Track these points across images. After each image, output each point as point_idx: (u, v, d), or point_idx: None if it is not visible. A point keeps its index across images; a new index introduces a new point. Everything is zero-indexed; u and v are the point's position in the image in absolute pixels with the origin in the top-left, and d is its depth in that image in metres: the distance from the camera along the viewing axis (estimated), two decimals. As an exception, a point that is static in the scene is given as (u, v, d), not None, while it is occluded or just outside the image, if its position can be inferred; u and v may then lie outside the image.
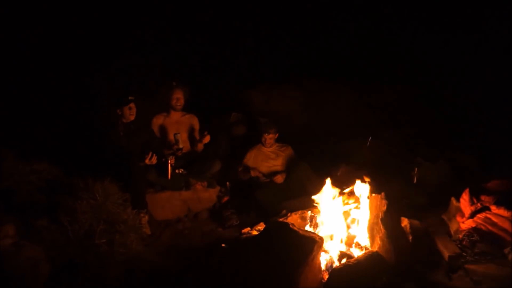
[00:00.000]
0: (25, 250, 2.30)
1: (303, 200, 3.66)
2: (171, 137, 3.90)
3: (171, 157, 3.55)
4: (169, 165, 3.50)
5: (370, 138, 2.92)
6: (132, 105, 3.55)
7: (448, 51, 5.66)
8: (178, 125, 4.01)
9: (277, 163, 4.06)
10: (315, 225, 3.03)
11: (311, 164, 3.92)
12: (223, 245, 2.91)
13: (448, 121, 5.06)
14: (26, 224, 2.50)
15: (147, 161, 3.38)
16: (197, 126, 4.14)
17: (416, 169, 4.17)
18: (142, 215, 3.20)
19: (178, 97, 3.93)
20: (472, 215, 2.76)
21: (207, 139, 3.97)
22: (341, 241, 2.82)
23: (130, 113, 3.55)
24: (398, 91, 5.46)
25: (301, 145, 4.53)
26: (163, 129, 4.00)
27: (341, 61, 5.81)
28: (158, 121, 4.00)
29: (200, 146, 4.03)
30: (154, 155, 3.40)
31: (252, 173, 3.95)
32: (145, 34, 5.69)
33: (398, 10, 6.07)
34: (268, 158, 4.07)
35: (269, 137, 4.02)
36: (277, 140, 4.12)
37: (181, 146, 3.75)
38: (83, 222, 2.57)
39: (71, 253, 2.48)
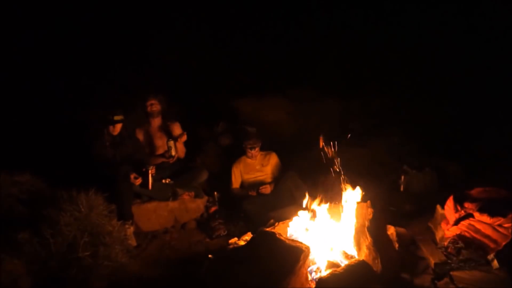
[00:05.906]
0: (4, 264, 2.24)
1: (291, 209, 3.67)
2: (156, 143, 3.91)
3: (151, 167, 3.52)
4: (150, 175, 3.47)
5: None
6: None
7: (432, 59, 5.75)
8: (161, 133, 3.98)
9: (263, 174, 4.05)
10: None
11: (299, 173, 3.93)
12: (210, 255, 2.88)
13: (434, 129, 5.14)
14: (6, 238, 2.43)
15: (132, 181, 3.37)
16: (179, 132, 4.05)
17: (402, 177, 4.23)
18: (127, 226, 3.17)
19: (152, 103, 3.93)
20: (456, 222, 2.80)
21: (184, 137, 3.93)
22: (328, 250, 2.82)
23: (114, 130, 3.53)
24: (384, 100, 5.54)
25: (290, 154, 4.54)
26: (147, 138, 3.97)
27: (327, 71, 5.89)
28: (141, 131, 3.98)
29: (179, 147, 3.94)
30: (139, 178, 3.42)
31: (250, 193, 3.89)
32: (135, 42, 5.67)
33: (385, 18, 6.18)
34: (253, 170, 4.06)
35: (255, 151, 4.01)
36: (260, 148, 4.08)
37: (173, 153, 3.76)
38: (66, 235, 2.52)
39: (53, 267, 2.42)
